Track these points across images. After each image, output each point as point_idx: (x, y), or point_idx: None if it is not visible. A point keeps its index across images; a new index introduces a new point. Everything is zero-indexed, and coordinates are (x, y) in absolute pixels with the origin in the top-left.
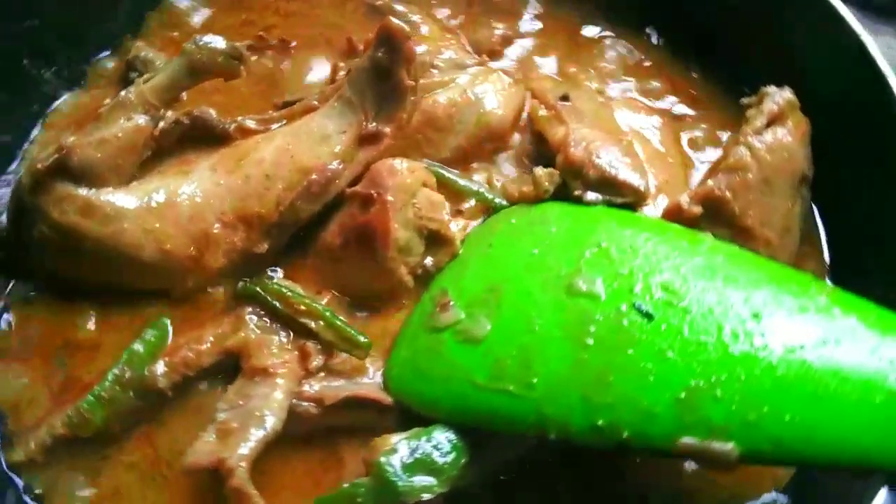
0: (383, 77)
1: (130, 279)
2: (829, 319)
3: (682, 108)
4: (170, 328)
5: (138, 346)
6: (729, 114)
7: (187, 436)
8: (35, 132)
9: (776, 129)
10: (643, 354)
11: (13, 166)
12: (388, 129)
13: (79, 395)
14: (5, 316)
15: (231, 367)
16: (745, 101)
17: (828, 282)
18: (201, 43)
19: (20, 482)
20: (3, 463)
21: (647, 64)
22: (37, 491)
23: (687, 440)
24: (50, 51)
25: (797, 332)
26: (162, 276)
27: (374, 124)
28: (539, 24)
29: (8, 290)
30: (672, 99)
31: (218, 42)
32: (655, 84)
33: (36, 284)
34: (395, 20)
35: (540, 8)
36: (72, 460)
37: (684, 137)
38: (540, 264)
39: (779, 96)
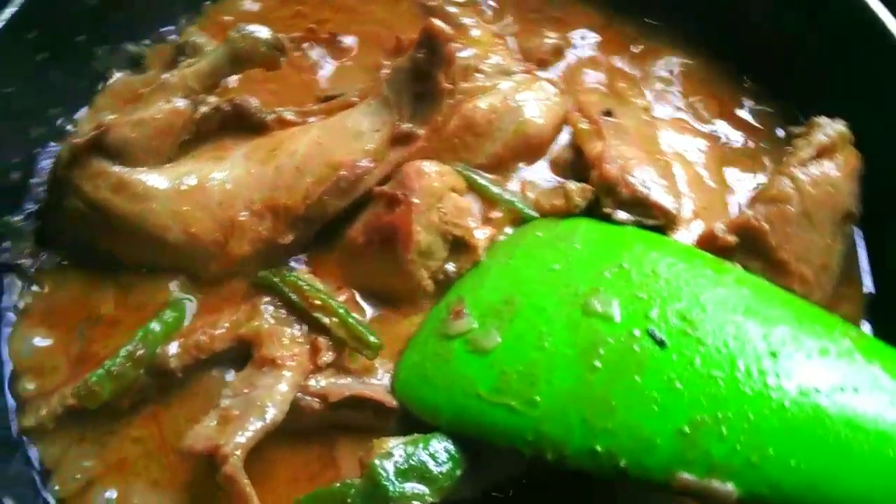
0: (421, 78)
1: (155, 258)
2: (850, 365)
3: (730, 133)
4: (188, 310)
5: (155, 325)
6: (779, 142)
7: (193, 418)
8: (84, 110)
9: (823, 163)
10: (651, 382)
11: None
12: (421, 131)
13: (94, 367)
14: (35, 284)
15: (244, 355)
16: (794, 129)
17: (866, 327)
18: (245, 32)
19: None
20: (14, 428)
21: (698, 85)
22: (43, 458)
23: (686, 476)
24: (107, 30)
25: (814, 374)
26: (186, 259)
27: (409, 125)
28: (592, 37)
29: (42, 257)
30: (721, 123)
31: (262, 32)
32: (705, 106)
33: (68, 255)
34: (438, 22)
35: (595, 20)
36: (80, 431)
37: (729, 164)
38: (559, 280)
39: (830, 128)
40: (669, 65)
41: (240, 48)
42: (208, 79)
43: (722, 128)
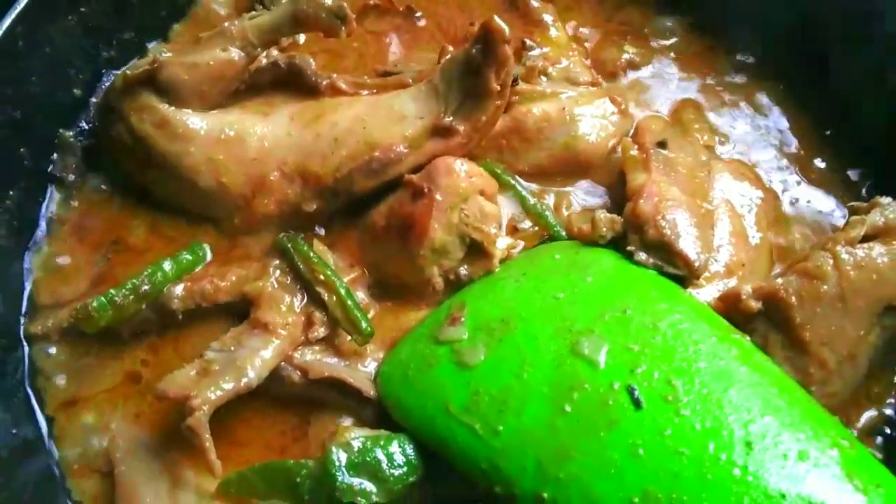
0: (473, 74)
1: (185, 200)
2: (826, 477)
3: (796, 191)
4: (207, 255)
5: (167, 264)
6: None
7: (184, 359)
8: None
9: (874, 246)
10: (614, 442)
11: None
12: (462, 128)
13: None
14: (73, 199)
15: (246, 310)
16: (853, 204)
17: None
18: None
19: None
20: (21, 330)
21: (774, 129)
22: (41, 368)
23: None
24: None
25: (784, 478)
26: (212, 206)
27: (450, 118)
28: (672, 57)
29: (86, 175)
30: (791, 176)
31: None
32: (778, 156)
33: (109, 180)
34: (499, 21)
35: (681, 40)
36: (81, 348)
37: (783, 224)
38: (558, 312)
39: (891, 210)
40: (749, 99)
41: (302, 10)
42: (267, 34)
43: (791, 184)
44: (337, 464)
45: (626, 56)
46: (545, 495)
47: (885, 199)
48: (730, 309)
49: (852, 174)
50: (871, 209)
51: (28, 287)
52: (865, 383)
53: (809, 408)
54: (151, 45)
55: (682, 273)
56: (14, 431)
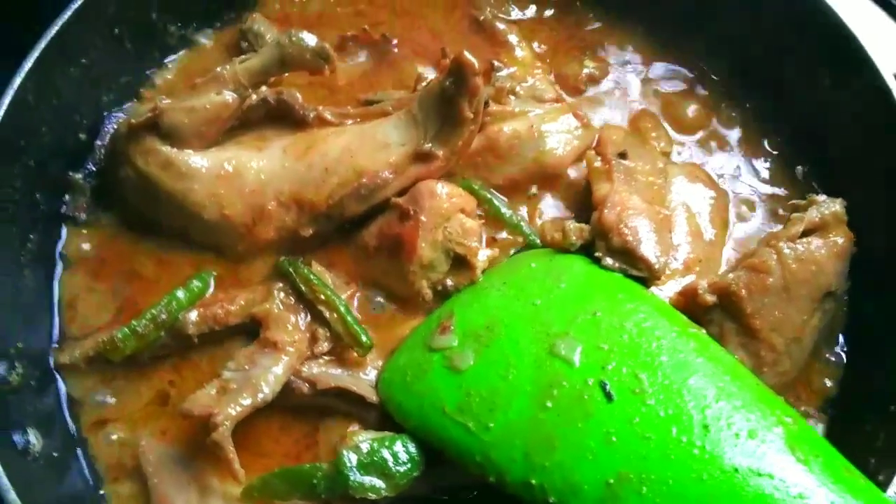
0: (447, 103)
1: (191, 231)
2: (772, 452)
3: (746, 191)
4: (212, 282)
5: (181, 293)
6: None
7: (202, 379)
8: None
9: (812, 240)
10: (590, 432)
11: (128, 105)
12: (440, 153)
13: (126, 320)
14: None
15: (255, 329)
16: (793, 202)
17: (821, 417)
18: (294, 38)
19: (61, 382)
20: (52, 362)
21: (723, 133)
22: (73, 394)
23: None
24: (179, 9)
25: (737, 455)
26: (217, 236)
27: (430, 145)
28: (629, 70)
29: (97, 212)
30: (741, 177)
31: (309, 40)
32: (728, 157)
33: (119, 216)
34: (468, 55)
35: (636, 54)
36: (107, 374)
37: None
38: (537, 317)
39: (826, 207)
40: (699, 104)
41: (287, 53)
42: (257, 76)
43: (738, 181)
44: (349, 465)
45: (586, 70)
46: (533, 482)
47: (821, 197)
48: (689, 302)
49: (797, 173)
50: (808, 206)
51: (55, 320)
52: (810, 362)
53: (758, 391)
54: (146, 86)
55: (645, 275)
56: (55, 455)
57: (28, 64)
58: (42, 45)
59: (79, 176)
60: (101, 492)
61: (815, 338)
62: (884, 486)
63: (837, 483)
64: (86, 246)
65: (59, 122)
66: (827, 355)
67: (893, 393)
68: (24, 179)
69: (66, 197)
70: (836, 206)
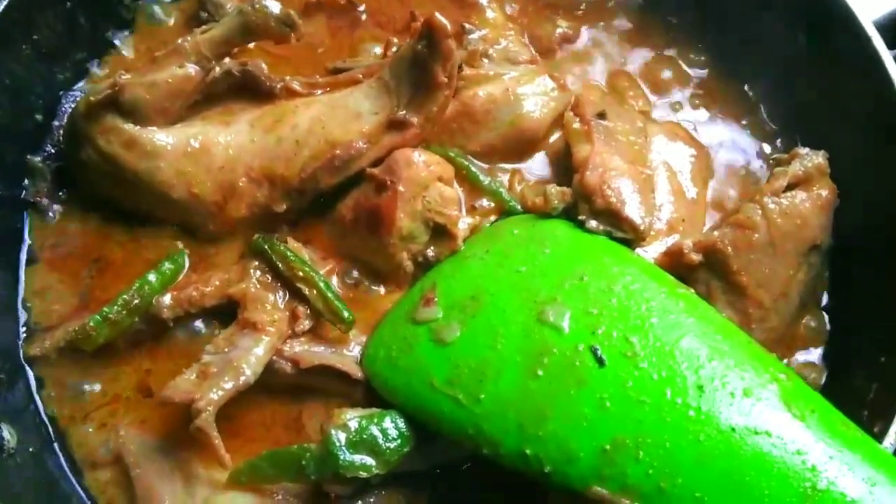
0: (420, 68)
1: (160, 212)
2: (768, 409)
3: (726, 148)
4: (186, 264)
5: (152, 277)
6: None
7: (181, 363)
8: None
9: (796, 194)
10: (584, 398)
11: (81, 84)
12: (415, 120)
13: (97, 307)
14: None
15: (232, 310)
16: (775, 156)
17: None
18: (258, 5)
19: (31, 375)
20: (21, 354)
21: (706, 95)
22: (46, 386)
23: (598, 489)
24: None
25: (733, 414)
26: (187, 215)
27: (404, 112)
28: (602, 28)
29: (60, 196)
30: (721, 131)
31: (273, 6)
32: (707, 112)
33: (83, 199)
34: (440, 17)
35: (612, 12)
36: (80, 364)
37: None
38: (522, 284)
39: (809, 160)
40: (678, 64)
41: (251, 21)
42: (220, 47)
43: (720, 136)
44: (337, 444)
45: (559, 30)
46: (528, 452)
47: (804, 150)
48: (674, 262)
49: (777, 127)
50: (791, 160)
51: (21, 312)
52: (799, 316)
53: (750, 349)
54: (103, 61)
55: (630, 237)
56: (31, 450)
57: None
58: None
59: (37, 159)
60: (82, 483)
61: (801, 292)
62: (879, 437)
63: (835, 437)
64: (50, 232)
65: (12, 103)
66: (813, 310)
67: (882, 344)
68: None
69: (26, 182)
70: (818, 158)
